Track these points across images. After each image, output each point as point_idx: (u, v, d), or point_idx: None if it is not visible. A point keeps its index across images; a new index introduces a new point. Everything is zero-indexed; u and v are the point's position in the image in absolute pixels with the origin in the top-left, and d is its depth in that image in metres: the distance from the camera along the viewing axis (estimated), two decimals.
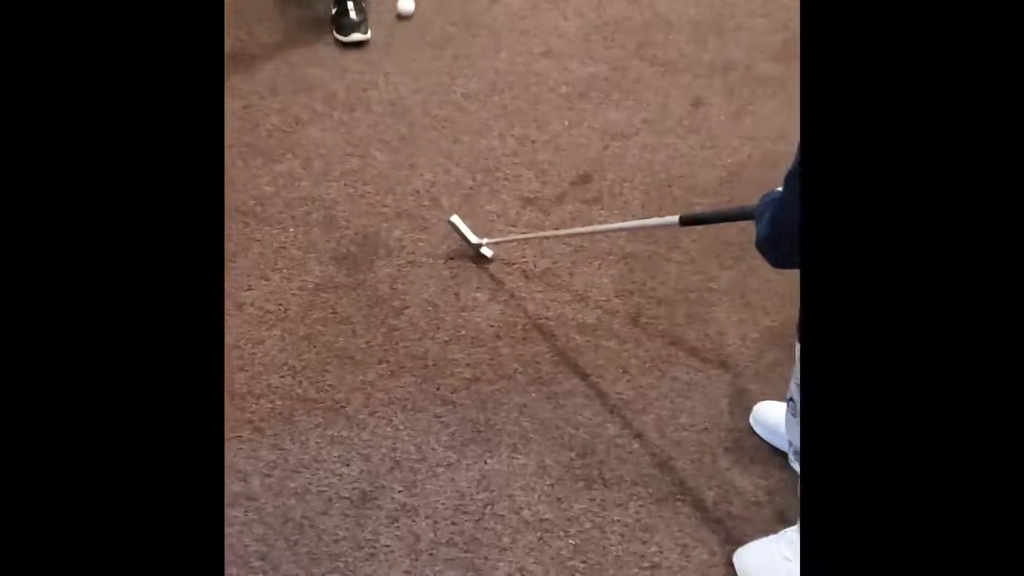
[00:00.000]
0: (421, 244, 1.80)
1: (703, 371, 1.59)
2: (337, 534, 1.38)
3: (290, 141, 2.02)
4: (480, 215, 1.86)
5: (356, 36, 2.25)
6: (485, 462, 1.47)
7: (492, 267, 1.76)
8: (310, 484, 1.44)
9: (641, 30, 2.32)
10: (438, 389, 1.57)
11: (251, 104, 2.11)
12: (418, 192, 1.91)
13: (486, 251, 1.77)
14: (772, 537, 1.33)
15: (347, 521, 1.40)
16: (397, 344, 1.64)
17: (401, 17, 2.36)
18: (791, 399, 1.25)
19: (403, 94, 2.14)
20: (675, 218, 1.37)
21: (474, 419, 1.53)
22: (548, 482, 1.44)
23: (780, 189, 1.03)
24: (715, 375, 1.59)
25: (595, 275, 1.75)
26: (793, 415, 1.25)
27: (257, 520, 1.40)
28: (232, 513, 1.41)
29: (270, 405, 1.55)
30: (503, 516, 1.40)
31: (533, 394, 1.56)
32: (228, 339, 1.63)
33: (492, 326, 1.66)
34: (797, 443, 1.27)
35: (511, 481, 1.44)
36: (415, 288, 1.72)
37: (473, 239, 1.76)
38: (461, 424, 1.52)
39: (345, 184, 1.93)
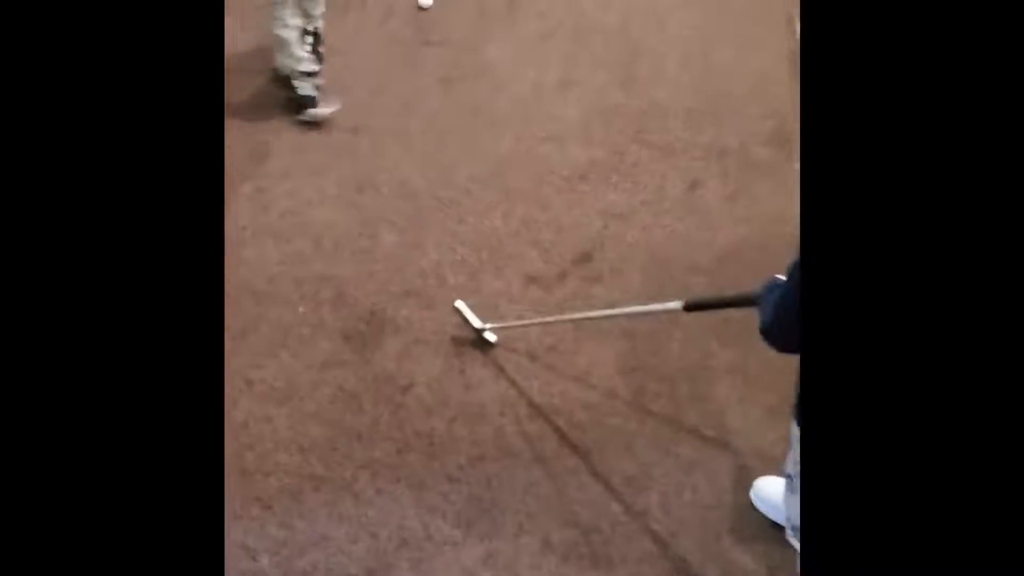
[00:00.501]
0: (428, 323, 1.85)
1: (705, 448, 1.62)
2: None
3: (301, 222, 2.09)
4: (485, 292, 1.91)
5: (324, 110, 2.32)
6: (491, 540, 1.48)
7: (497, 344, 1.81)
8: (318, 562, 1.46)
9: (639, 117, 2.42)
10: (444, 467, 1.59)
11: (263, 187, 2.18)
12: (425, 271, 1.97)
13: (489, 336, 1.81)
14: None
15: None
16: (403, 422, 1.67)
17: (421, 8, 2.65)
18: (789, 475, 1.27)
19: (411, 178, 2.22)
20: (679, 303, 1.42)
21: (480, 496, 1.55)
22: (553, 561, 1.46)
23: (781, 276, 1.08)
24: (717, 452, 1.61)
25: (597, 353, 1.79)
26: (791, 492, 1.27)
27: None
28: None
29: (278, 483, 1.57)
30: None
31: (538, 472, 1.58)
32: (238, 417, 1.66)
33: (497, 404, 1.70)
34: (795, 519, 1.29)
35: (517, 559, 1.46)
36: (421, 366, 1.76)
37: (477, 324, 1.80)
38: (467, 502, 1.54)
39: (355, 263, 1.99)
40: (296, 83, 2.32)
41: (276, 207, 2.13)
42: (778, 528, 1.48)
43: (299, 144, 2.32)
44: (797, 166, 2.19)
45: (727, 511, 1.52)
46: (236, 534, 1.49)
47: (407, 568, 1.45)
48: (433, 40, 2.69)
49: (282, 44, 2.29)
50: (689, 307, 1.41)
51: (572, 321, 1.80)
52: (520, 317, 1.84)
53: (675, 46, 2.64)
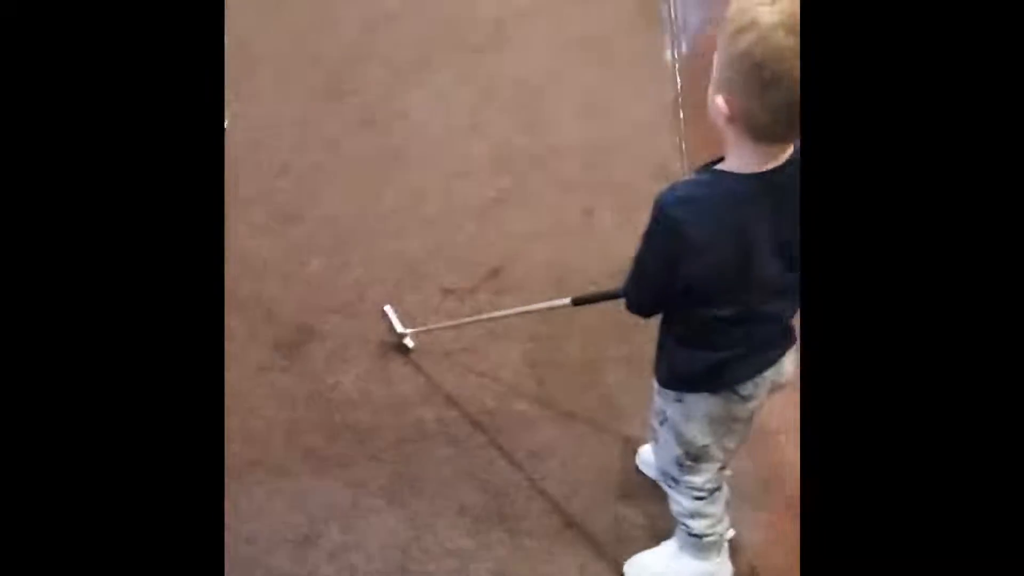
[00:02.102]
0: (353, 331, 2.06)
1: (598, 425, 1.87)
2: (283, 569, 1.57)
3: (231, 248, 2.28)
4: (406, 304, 2.14)
5: None
6: (412, 506, 1.69)
7: (416, 348, 2.03)
8: (259, 531, 1.63)
9: (540, 156, 2.71)
10: (369, 450, 1.80)
11: None
12: (349, 288, 2.19)
13: (408, 342, 2.01)
14: (654, 549, 1.58)
15: (291, 560, 1.59)
16: (332, 414, 1.87)
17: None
18: (652, 427, 1.48)
19: (334, 209, 2.45)
20: (568, 299, 1.64)
21: (401, 472, 1.75)
22: (468, 520, 1.67)
23: None
24: (608, 428, 1.86)
25: (505, 352, 2.03)
26: (655, 440, 1.49)
27: None
28: None
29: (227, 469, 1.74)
30: (428, 548, 1.61)
31: (452, 450, 1.80)
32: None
33: (417, 397, 1.92)
34: (661, 465, 1.49)
35: (436, 520, 1.66)
36: (347, 367, 1.97)
37: (399, 328, 2.02)
38: (390, 477, 1.74)
39: (282, 284, 2.19)
40: None
41: None
42: (657, 486, 1.73)
43: (228, 180, 2.52)
44: None
45: (616, 475, 1.76)
46: None
47: (337, 531, 1.64)
48: (350, 89, 2.96)
49: None
50: (577, 302, 1.64)
51: (479, 321, 2.03)
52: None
53: (571, 97, 2.96)
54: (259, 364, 1.96)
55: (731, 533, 1.52)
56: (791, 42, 0.93)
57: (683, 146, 2.70)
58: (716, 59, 1.06)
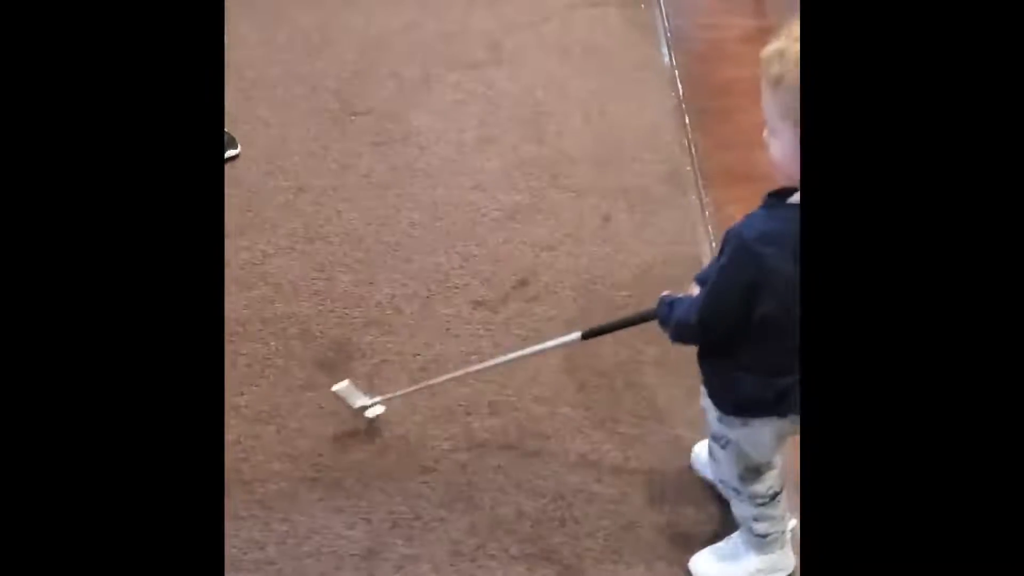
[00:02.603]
0: (390, 345, 2.08)
1: (643, 425, 1.90)
2: None
3: (260, 271, 2.30)
4: (438, 318, 2.16)
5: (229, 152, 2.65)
6: (471, 515, 1.70)
7: (454, 359, 2.05)
8: (321, 546, 1.64)
9: (552, 165, 2.75)
10: (421, 461, 1.81)
11: None
12: (381, 304, 2.20)
13: (373, 411, 1.84)
14: (718, 545, 1.61)
15: (359, 573, 1.59)
16: (380, 429, 1.88)
17: None
18: (710, 448, 1.51)
19: (355, 227, 2.47)
20: (577, 334, 1.59)
21: (456, 481, 1.77)
22: (527, 524, 1.68)
23: (674, 294, 1.38)
24: (653, 427, 1.89)
25: (543, 360, 2.05)
26: (713, 459, 1.51)
27: None
28: None
29: (276, 487, 1.75)
30: (494, 555, 1.63)
31: (504, 457, 1.82)
32: (229, 437, 1.83)
33: (461, 406, 1.93)
34: (721, 476, 1.53)
35: (496, 527, 1.68)
36: (390, 382, 1.98)
37: (359, 403, 1.84)
38: (447, 486, 1.76)
39: (314, 302, 2.20)
40: None
41: (235, 260, 2.33)
42: (713, 486, 1.76)
43: (247, 205, 2.54)
44: (691, 199, 2.57)
45: (668, 474, 1.79)
46: (243, 532, 1.66)
47: (401, 544, 1.64)
48: (358, 111, 2.98)
49: None
50: (587, 335, 1.60)
51: (476, 372, 1.86)
52: (475, 335, 2.10)
53: (576, 106, 3.01)
54: (302, 383, 1.97)
55: (793, 523, 1.56)
56: None
57: (692, 149, 2.75)
58: (790, 107, 1.06)
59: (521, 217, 2.52)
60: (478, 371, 1.86)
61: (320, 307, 2.19)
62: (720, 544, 1.61)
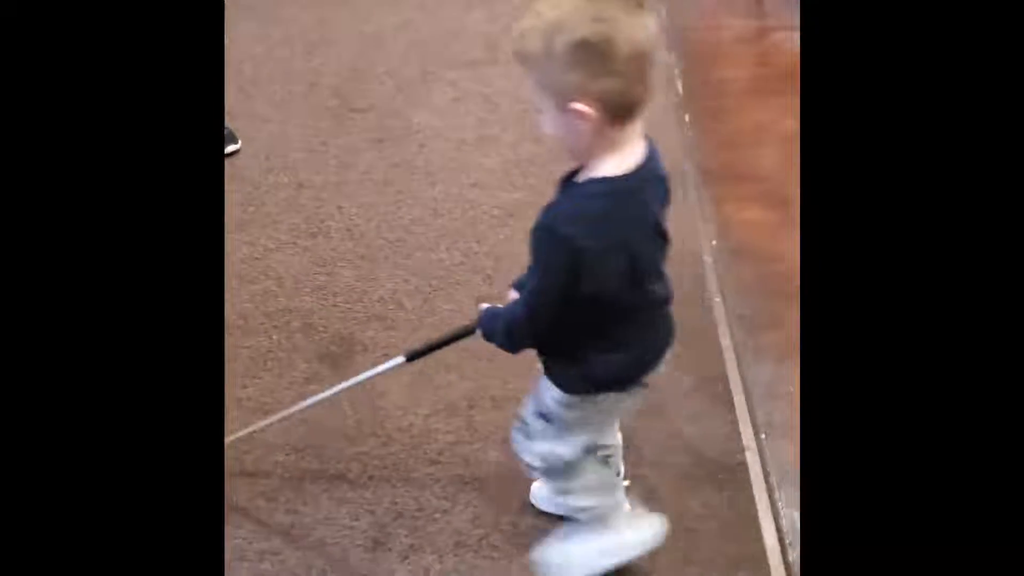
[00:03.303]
0: (393, 340, 2.08)
1: (643, 418, 1.91)
2: (359, 573, 1.58)
3: (262, 265, 2.30)
4: (440, 314, 2.17)
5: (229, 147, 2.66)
6: (475, 506, 1.71)
7: (457, 354, 2.05)
8: (326, 537, 1.64)
9: (551, 163, 2.76)
10: (426, 453, 1.82)
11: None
12: (383, 299, 2.21)
13: None
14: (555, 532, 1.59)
15: (364, 563, 1.60)
16: (384, 421, 1.88)
17: None
18: (539, 415, 1.45)
19: (357, 222, 2.47)
20: (401, 358, 1.56)
21: (461, 473, 1.78)
22: (531, 516, 1.69)
23: (495, 305, 1.40)
24: (653, 421, 1.90)
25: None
26: (525, 435, 1.49)
27: (284, 569, 1.59)
28: (261, 567, 1.59)
29: (279, 479, 1.75)
30: (497, 546, 1.64)
31: (507, 449, 1.82)
32: (233, 429, 1.83)
33: (465, 400, 1.94)
34: (527, 453, 1.49)
35: (500, 518, 1.69)
36: (393, 376, 1.98)
37: None
38: (450, 479, 1.77)
39: (317, 297, 2.21)
40: None
41: (237, 254, 2.33)
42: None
43: (247, 200, 2.54)
44: (691, 197, 2.58)
45: (666, 468, 1.81)
46: (248, 523, 1.66)
47: (405, 535, 1.65)
48: (357, 108, 2.99)
49: None
50: (411, 357, 1.58)
51: (307, 408, 1.73)
52: None
53: None
54: (305, 376, 1.98)
55: (624, 504, 1.55)
56: (587, 6, 1.04)
57: (692, 148, 2.78)
58: (543, 83, 1.11)
59: (521, 214, 2.53)
60: (308, 406, 1.72)
61: (322, 302, 2.19)
62: (556, 535, 1.58)
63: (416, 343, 1.63)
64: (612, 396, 1.35)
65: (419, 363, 2.00)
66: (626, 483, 1.60)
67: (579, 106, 1.08)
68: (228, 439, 1.74)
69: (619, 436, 1.57)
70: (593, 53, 1.05)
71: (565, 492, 1.52)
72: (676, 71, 3.09)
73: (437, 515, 1.69)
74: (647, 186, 1.19)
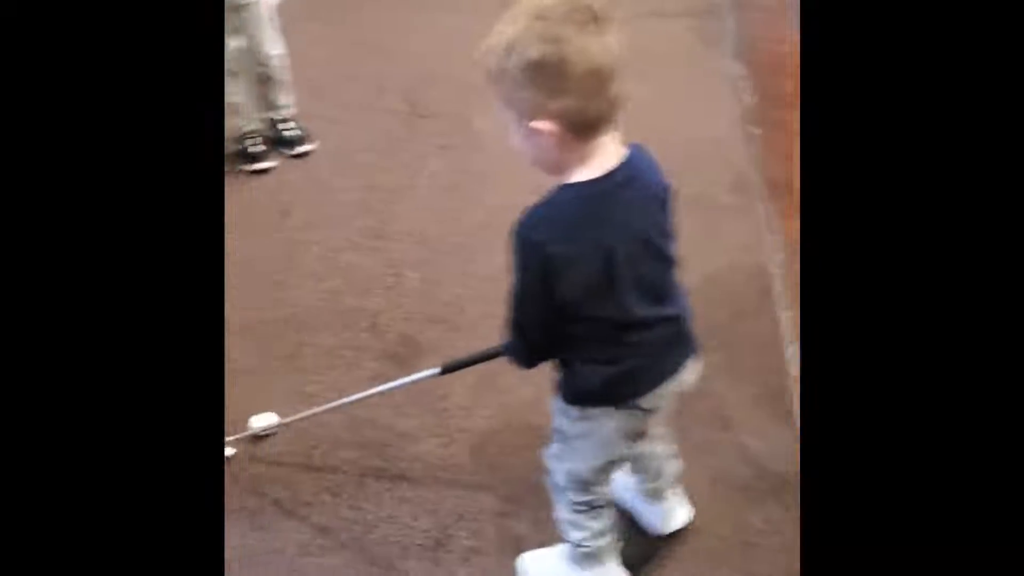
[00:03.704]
0: (458, 343, 2.10)
1: (710, 432, 1.90)
2: (419, 573, 1.60)
3: (332, 265, 2.35)
4: (502, 318, 2.17)
5: (262, 164, 2.71)
6: (537, 511, 1.71)
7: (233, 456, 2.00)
8: (388, 535, 1.67)
9: None
10: (488, 456, 1.83)
11: (293, 238, 2.44)
12: (447, 303, 2.23)
13: (228, 450, 1.78)
14: (546, 549, 1.59)
15: (424, 563, 1.62)
16: (447, 422, 1.90)
17: None
18: (553, 430, 1.41)
19: (422, 226, 2.50)
20: (437, 369, 1.59)
21: (524, 478, 1.78)
22: None
23: None
24: (720, 434, 1.89)
25: None
26: (552, 456, 1.44)
27: (346, 566, 1.61)
28: (323, 561, 1.62)
29: (344, 475, 1.78)
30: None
31: None
32: (300, 424, 1.87)
33: (528, 404, 1.95)
34: (553, 474, 1.45)
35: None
36: (457, 378, 2.00)
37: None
38: (513, 482, 1.77)
39: (384, 298, 2.24)
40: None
41: (308, 253, 2.38)
42: (750, 492, 1.75)
43: (319, 201, 2.60)
44: (757, 208, 2.56)
45: (734, 481, 1.79)
46: (312, 517, 1.70)
47: (466, 537, 1.67)
48: (425, 113, 3.03)
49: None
50: (446, 369, 1.60)
51: (328, 411, 1.79)
52: None
53: (640, 114, 2.98)
54: (371, 375, 2.01)
55: (619, 544, 1.53)
56: (553, 21, 1.03)
57: (758, 159, 2.75)
58: (505, 100, 1.11)
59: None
60: (338, 407, 1.76)
61: (389, 303, 2.22)
62: (548, 549, 1.58)
63: (458, 354, 1.64)
64: (600, 412, 1.29)
65: (483, 366, 2.03)
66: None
67: (539, 124, 1.08)
68: (285, 420, 1.82)
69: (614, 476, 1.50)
70: (545, 73, 1.03)
71: (572, 524, 1.47)
72: (743, 82, 3.06)
73: (499, 519, 1.70)
74: (625, 192, 1.15)
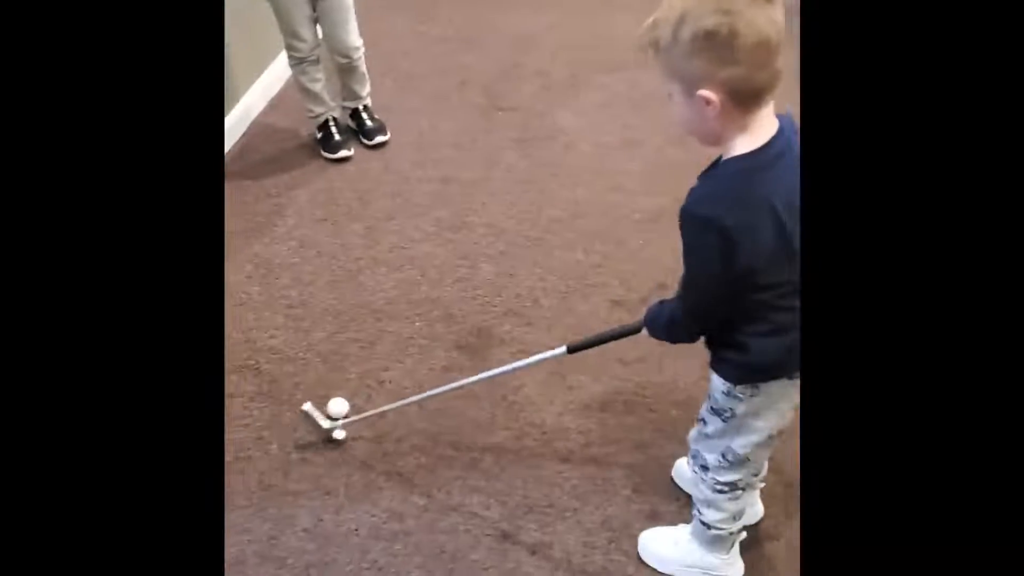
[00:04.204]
0: (528, 336, 2.11)
1: None
2: (487, 564, 1.61)
3: (408, 255, 2.38)
4: (576, 314, 2.18)
5: (343, 152, 2.76)
6: (606, 509, 1.71)
7: (591, 356, 2.05)
8: (457, 524, 1.68)
9: (696, 170, 2.73)
10: (557, 451, 1.83)
11: (371, 226, 2.48)
12: (521, 295, 2.24)
13: (338, 434, 1.84)
14: (669, 528, 1.64)
15: (493, 554, 1.63)
16: (518, 415, 1.91)
17: None
18: (702, 419, 1.47)
19: (498, 220, 2.52)
20: (563, 348, 1.57)
21: (592, 475, 1.78)
22: (663, 524, 1.68)
23: (659, 300, 1.39)
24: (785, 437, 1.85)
25: (683, 365, 2.04)
26: (705, 435, 1.46)
27: (415, 552, 1.63)
28: (394, 546, 1.64)
29: (415, 461, 1.81)
30: (627, 551, 1.64)
31: (640, 456, 1.82)
32: (373, 409, 1.91)
33: (597, 402, 1.95)
34: (700, 447, 1.48)
35: (630, 524, 1.68)
36: (528, 372, 2.01)
37: (325, 425, 1.83)
38: (581, 478, 1.78)
39: (458, 288, 2.26)
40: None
41: (385, 242, 2.42)
42: None
43: (397, 191, 2.63)
44: None
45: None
46: (383, 502, 1.73)
47: (535, 529, 1.67)
48: (504, 107, 3.05)
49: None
50: (572, 349, 1.58)
51: (451, 390, 1.77)
52: None
53: None
54: (444, 364, 2.03)
55: (742, 535, 1.55)
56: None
57: None
58: (670, 71, 1.14)
59: (663, 221, 2.50)
60: (449, 390, 1.76)
61: (463, 294, 2.24)
62: (672, 528, 1.63)
63: (577, 337, 1.62)
64: (776, 384, 1.31)
65: (554, 362, 2.04)
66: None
67: (705, 93, 1.10)
68: (362, 415, 1.84)
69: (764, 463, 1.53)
70: (717, 43, 1.06)
71: (709, 503, 1.50)
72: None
73: (567, 513, 1.70)
74: (780, 162, 1.15)
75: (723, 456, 1.42)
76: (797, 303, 1.23)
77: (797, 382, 1.31)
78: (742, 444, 1.40)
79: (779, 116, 1.19)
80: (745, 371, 1.32)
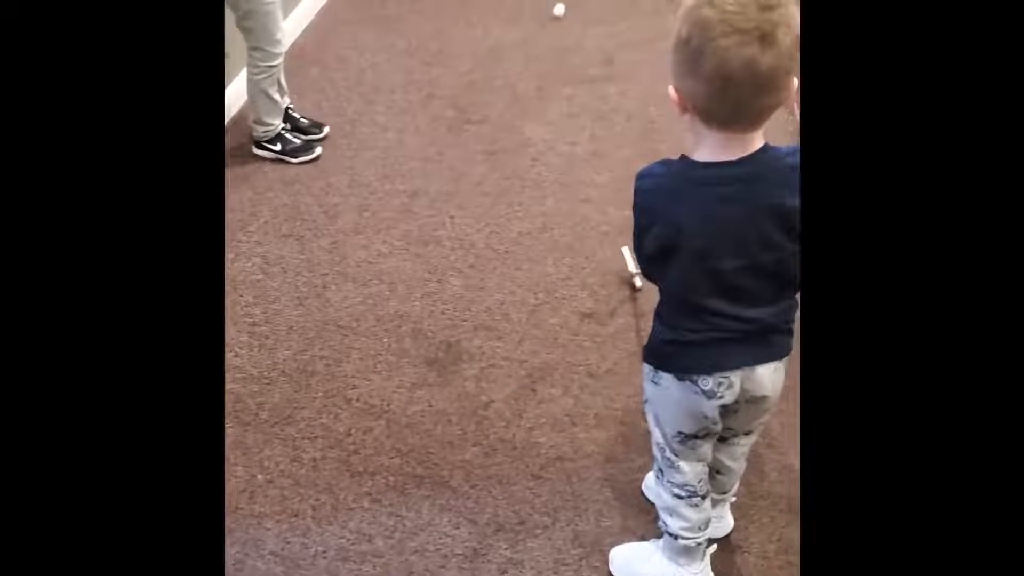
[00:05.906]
0: (499, 351, 2.10)
1: (754, 450, 1.86)
2: None
3: (375, 269, 2.36)
4: (546, 327, 2.17)
5: (319, 150, 2.80)
6: (576, 524, 1.70)
7: (561, 368, 2.05)
8: (427, 543, 1.66)
9: None
10: (528, 467, 1.82)
11: (338, 241, 2.46)
12: (490, 309, 2.22)
13: (637, 280, 2.25)
14: (639, 543, 1.64)
15: (463, 573, 1.61)
16: (487, 431, 1.89)
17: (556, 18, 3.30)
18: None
19: (467, 233, 2.50)
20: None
21: (562, 490, 1.77)
22: (634, 539, 1.67)
23: None
24: (764, 452, 1.85)
25: None
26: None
27: (384, 573, 1.61)
28: (363, 568, 1.61)
29: (384, 481, 1.78)
30: (597, 567, 1.62)
31: (611, 469, 1.81)
32: (340, 428, 1.88)
33: (567, 416, 1.93)
34: (653, 449, 1.48)
35: (601, 539, 1.67)
36: (498, 386, 2.00)
37: (632, 269, 2.25)
38: (551, 495, 1.76)
39: (427, 303, 2.24)
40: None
41: (352, 257, 2.39)
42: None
43: (364, 205, 2.61)
44: None
45: (779, 500, 1.75)
46: (352, 523, 1.70)
47: (505, 547, 1.65)
48: (472, 119, 3.04)
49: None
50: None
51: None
52: (581, 347, 2.10)
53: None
54: (412, 381, 2.01)
55: (712, 548, 1.56)
56: (713, 14, 1.03)
57: None
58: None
59: (630, 232, 2.50)
60: None
61: (432, 308, 2.22)
62: (642, 543, 1.62)
63: (501, 364, 1.61)
64: (669, 379, 1.33)
65: (524, 376, 2.02)
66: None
67: (672, 90, 1.14)
68: None
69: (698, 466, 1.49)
70: (685, 53, 1.08)
71: (671, 511, 1.49)
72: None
73: (538, 531, 1.69)
74: (730, 189, 1.16)
75: (658, 446, 1.44)
76: (685, 311, 1.27)
77: (688, 391, 1.30)
78: (660, 435, 1.42)
79: (776, 148, 1.18)
80: (647, 348, 1.38)
